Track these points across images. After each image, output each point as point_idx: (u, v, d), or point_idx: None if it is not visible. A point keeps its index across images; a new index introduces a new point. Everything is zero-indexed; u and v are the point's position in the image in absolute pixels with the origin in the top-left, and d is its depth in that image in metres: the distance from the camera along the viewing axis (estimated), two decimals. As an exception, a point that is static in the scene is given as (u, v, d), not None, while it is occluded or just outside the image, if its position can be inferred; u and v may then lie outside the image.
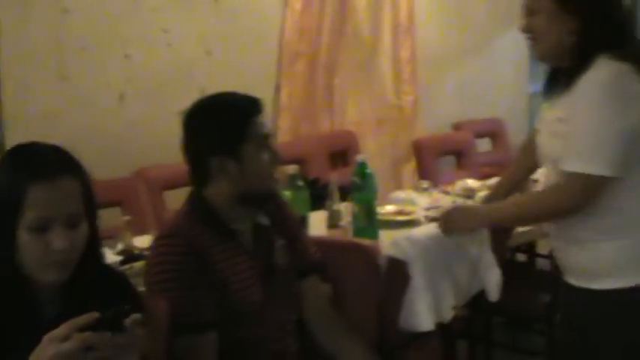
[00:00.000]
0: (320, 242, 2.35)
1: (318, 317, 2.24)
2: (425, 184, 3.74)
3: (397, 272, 2.40)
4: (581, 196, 2.02)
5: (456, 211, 2.44)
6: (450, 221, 2.37)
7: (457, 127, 5.25)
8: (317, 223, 3.05)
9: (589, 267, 2.12)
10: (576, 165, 2.00)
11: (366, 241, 2.59)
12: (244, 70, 4.46)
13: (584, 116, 2.01)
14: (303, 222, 2.76)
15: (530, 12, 2.11)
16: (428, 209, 3.27)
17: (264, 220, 2.18)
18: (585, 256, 2.12)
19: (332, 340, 2.21)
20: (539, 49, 2.14)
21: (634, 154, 2.01)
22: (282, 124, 4.71)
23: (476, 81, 5.55)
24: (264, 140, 2.09)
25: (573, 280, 2.16)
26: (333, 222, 3.06)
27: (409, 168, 5.07)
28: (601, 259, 2.09)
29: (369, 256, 2.38)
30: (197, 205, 2.09)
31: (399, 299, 2.38)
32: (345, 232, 2.94)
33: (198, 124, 2.07)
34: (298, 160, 4.27)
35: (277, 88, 4.73)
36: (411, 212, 3.22)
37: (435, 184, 3.82)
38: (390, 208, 3.31)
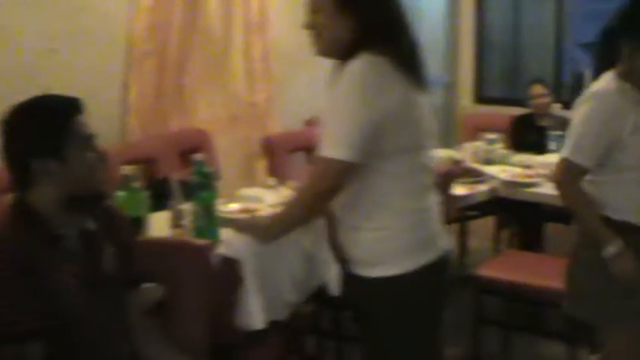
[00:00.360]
0: (152, 244, 2.33)
1: (138, 325, 2.22)
2: (273, 181, 3.75)
3: (230, 271, 2.39)
4: (331, 179, 2.13)
5: (247, 226, 2.52)
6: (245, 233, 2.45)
7: (310, 123, 5.28)
8: (160, 224, 3.01)
9: (356, 255, 2.25)
10: (325, 150, 2.11)
11: (198, 241, 2.57)
12: (91, 68, 4.34)
13: (333, 104, 2.14)
14: (136, 225, 2.72)
15: (313, 9, 2.23)
16: (275, 206, 3.29)
17: (92, 225, 2.13)
18: (355, 244, 2.24)
19: (150, 351, 2.19)
20: (320, 45, 2.24)
21: (386, 144, 2.12)
22: (131, 124, 4.61)
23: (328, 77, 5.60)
24: (87, 141, 2.04)
25: (351, 268, 2.29)
26: (176, 222, 3.03)
27: (263, 165, 5.08)
28: (365, 248, 2.22)
29: (200, 255, 2.36)
30: (20, 210, 2.02)
31: (233, 298, 2.37)
32: (186, 232, 2.91)
33: (16, 126, 2.01)
34: (147, 160, 4.22)
35: (126, 87, 4.61)
36: (255, 210, 3.22)
37: (284, 180, 3.84)
38: (234, 206, 3.31)
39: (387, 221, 2.19)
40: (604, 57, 2.65)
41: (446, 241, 2.32)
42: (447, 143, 6.76)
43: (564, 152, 2.67)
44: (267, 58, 5.22)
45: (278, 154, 4.67)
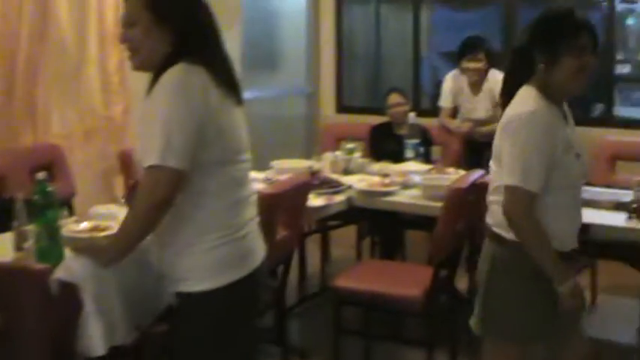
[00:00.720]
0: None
1: None
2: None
3: (69, 296, 2.30)
4: (164, 189, 2.10)
5: (86, 248, 2.47)
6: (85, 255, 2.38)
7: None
8: (3, 247, 2.87)
9: (167, 271, 2.25)
10: (152, 160, 2.08)
11: (36, 265, 2.46)
12: None
13: (154, 112, 2.11)
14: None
15: (129, 23, 2.21)
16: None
17: None
18: (165, 260, 2.24)
19: None
20: (137, 60, 2.23)
21: (198, 156, 2.12)
22: (-23, 139, 4.43)
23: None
24: None
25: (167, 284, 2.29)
26: (19, 244, 2.89)
27: (121, 180, 4.96)
28: (174, 264, 2.22)
29: (38, 281, 2.27)
30: None
31: (73, 324, 2.28)
32: (29, 255, 2.78)
33: None
34: (-5, 177, 4.03)
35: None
36: (106, 228, 3.12)
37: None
38: (84, 225, 3.20)
39: (197, 237, 2.19)
40: (515, 74, 2.63)
41: (262, 254, 2.34)
42: (308, 153, 6.84)
43: (511, 180, 2.45)
44: (124, 69, 5.10)
45: (136, 169, 4.56)
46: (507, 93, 2.63)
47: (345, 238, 5.50)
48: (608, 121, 6.05)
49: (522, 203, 2.45)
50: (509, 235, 2.53)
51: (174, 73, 2.11)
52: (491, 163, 2.65)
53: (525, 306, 2.57)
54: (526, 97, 2.53)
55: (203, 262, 2.20)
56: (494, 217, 2.61)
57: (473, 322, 2.75)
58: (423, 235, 5.20)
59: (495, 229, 2.60)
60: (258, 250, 2.34)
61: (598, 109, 7.76)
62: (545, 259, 2.48)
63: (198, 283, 2.19)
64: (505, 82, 2.70)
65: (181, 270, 2.22)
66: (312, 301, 4.90)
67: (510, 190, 2.46)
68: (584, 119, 6.83)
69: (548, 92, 2.53)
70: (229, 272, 2.22)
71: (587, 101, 7.81)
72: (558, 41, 2.50)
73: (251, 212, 2.34)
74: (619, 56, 6.88)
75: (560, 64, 2.50)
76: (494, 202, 2.60)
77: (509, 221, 2.49)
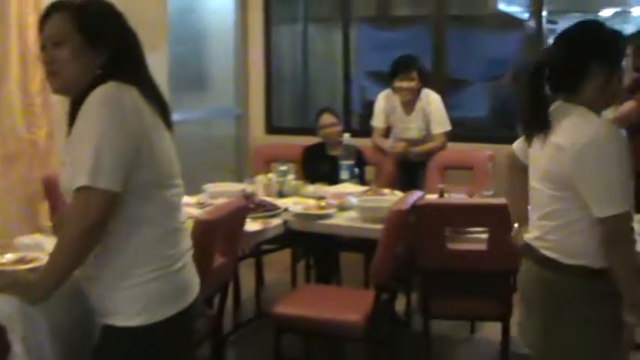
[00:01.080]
0: None
1: None
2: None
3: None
4: (95, 212, 1.95)
5: (10, 284, 2.30)
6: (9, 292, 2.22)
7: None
8: None
9: (97, 305, 2.12)
10: (82, 181, 1.94)
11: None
12: None
13: (81, 133, 2.00)
14: None
15: (54, 44, 2.10)
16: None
17: None
18: (95, 294, 2.11)
19: None
20: (57, 82, 2.12)
21: (130, 180, 2.01)
22: None
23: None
24: None
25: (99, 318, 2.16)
26: None
27: (45, 208, 4.75)
28: (106, 298, 2.09)
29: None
30: None
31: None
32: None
33: None
34: None
35: None
36: (33, 260, 2.95)
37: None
38: (9, 256, 3.02)
39: (130, 270, 2.06)
40: (539, 91, 2.53)
41: (197, 287, 2.24)
42: (239, 176, 6.73)
43: (611, 209, 2.32)
44: (46, 91, 4.90)
45: (61, 195, 4.36)
46: (534, 112, 2.55)
47: (278, 261, 5.40)
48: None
49: (626, 227, 2.38)
50: (567, 260, 2.45)
51: (104, 90, 2.00)
52: (540, 185, 2.55)
53: (600, 332, 2.48)
54: (589, 120, 2.44)
55: (136, 296, 2.07)
56: (550, 241, 2.52)
57: (526, 341, 2.68)
58: (356, 257, 5.14)
59: (549, 254, 2.51)
60: (194, 283, 2.24)
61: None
62: (632, 282, 2.37)
63: (130, 318, 2.07)
64: (528, 101, 2.58)
65: (112, 304, 2.09)
66: (247, 328, 4.78)
67: (611, 219, 2.34)
68: (506, 137, 6.92)
69: (595, 108, 2.49)
70: (164, 307, 2.10)
71: (511, 119, 7.94)
72: (620, 55, 2.50)
73: (187, 242, 2.24)
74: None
75: (616, 77, 2.48)
76: (549, 227, 2.51)
77: (614, 249, 2.38)
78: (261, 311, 4.98)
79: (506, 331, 3.74)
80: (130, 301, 2.07)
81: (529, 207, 2.66)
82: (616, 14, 8.30)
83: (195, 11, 6.64)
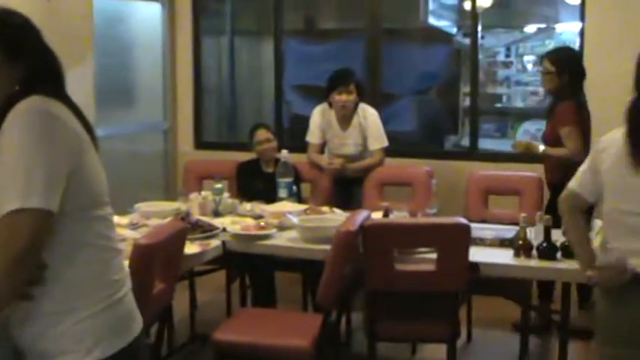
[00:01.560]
0: None
1: None
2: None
3: None
4: (28, 236, 1.73)
5: None
6: None
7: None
8: None
9: (30, 344, 1.89)
10: (11, 203, 1.74)
11: None
12: None
13: (8, 153, 1.80)
14: None
15: None
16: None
17: None
18: (41, 333, 1.87)
19: None
20: None
21: (64, 201, 1.82)
22: None
23: None
24: None
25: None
26: None
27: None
28: (57, 335, 1.87)
29: None
30: None
31: None
32: None
33: None
34: None
35: None
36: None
37: None
38: None
39: (69, 303, 1.86)
40: None
41: (139, 315, 2.06)
42: (168, 192, 6.51)
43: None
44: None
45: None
46: None
47: (212, 281, 5.20)
48: (472, 154, 6.05)
49: None
50: None
51: (29, 104, 1.82)
52: None
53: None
54: None
55: (86, 330, 1.87)
56: None
57: None
58: (291, 276, 5.01)
59: None
60: (137, 311, 2.05)
61: (450, 141, 7.90)
62: None
63: (80, 358, 1.86)
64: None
65: (56, 343, 1.87)
66: (182, 352, 4.58)
67: None
68: (440, 152, 6.93)
69: None
70: (116, 340, 1.92)
71: (440, 134, 7.94)
72: None
73: (125, 267, 2.06)
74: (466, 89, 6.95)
75: None
76: None
77: None
78: (196, 334, 4.79)
79: (453, 352, 3.65)
80: (80, 337, 1.87)
81: (629, 234, 2.70)
82: (539, 30, 8.42)
83: (123, 22, 6.42)
